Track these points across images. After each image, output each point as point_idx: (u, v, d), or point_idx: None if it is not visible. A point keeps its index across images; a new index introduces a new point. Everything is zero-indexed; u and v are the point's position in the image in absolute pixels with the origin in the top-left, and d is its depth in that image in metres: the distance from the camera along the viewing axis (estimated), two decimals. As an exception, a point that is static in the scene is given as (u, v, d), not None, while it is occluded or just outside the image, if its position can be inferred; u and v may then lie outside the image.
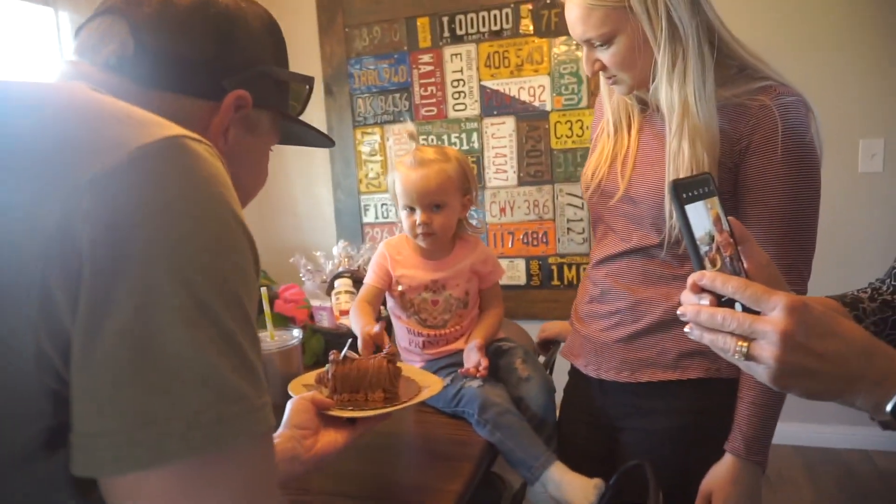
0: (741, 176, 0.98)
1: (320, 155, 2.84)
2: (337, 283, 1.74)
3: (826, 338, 0.53)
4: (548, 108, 2.42)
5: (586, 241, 2.43)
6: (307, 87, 0.73)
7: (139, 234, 0.39)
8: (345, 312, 1.65)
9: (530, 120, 2.45)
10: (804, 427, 2.38)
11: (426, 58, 2.56)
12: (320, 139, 0.78)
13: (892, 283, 0.77)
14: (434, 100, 2.58)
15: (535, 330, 1.65)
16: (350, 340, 1.08)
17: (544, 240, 2.51)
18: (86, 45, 0.58)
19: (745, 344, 0.55)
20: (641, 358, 1.08)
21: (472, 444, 1.17)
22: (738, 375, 1.02)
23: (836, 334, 0.54)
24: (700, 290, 0.58)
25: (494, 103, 2.49)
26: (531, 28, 2.40)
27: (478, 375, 1.22)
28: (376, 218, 2.77)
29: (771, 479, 2.21)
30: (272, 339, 1.26)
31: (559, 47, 2.38)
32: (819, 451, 2.34)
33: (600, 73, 1.03)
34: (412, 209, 1.28)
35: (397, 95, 2.64)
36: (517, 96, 2.46)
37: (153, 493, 0.41)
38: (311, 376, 1.08)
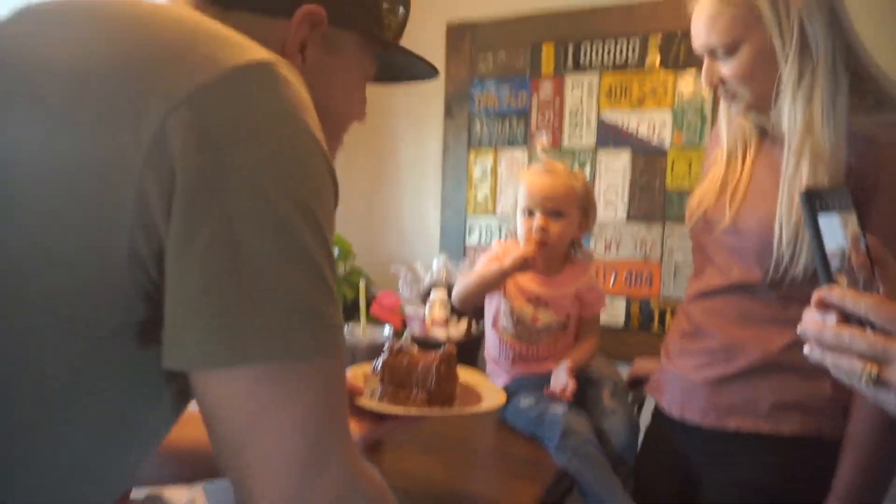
0: (864, 218, 0.89)
1: (433, 172, 2.90)
2: (433, 293, 1.76)
3: None
4: (666, 144, 2.35)
5: (694, 286, 2.30)
6: (401, 8, 0.69)
7: (229, 151, 0.42)
8: (437, 322, 1.66)
9: (647, 155, 2.39)
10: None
11: (547, 84, 2.57)
12: (422, 69, 0.74)
13: None
14: (550, 127, 2.57)
15: (627, 372, 1.59)
16: (408, 331, 1.06)
17: (648, 281, 2.41)
18: None
19: (876, 368, 0.49)
20: (731, 403, 1.01)
21: (546, 468, 1.14)
22: (841, 437, 0.92)
23: None
24: (826, 307, 0.53)
25: (611, 135, 2.45)
26: (658, 61, 2.35)
27: (563, 398, 1.19)
28: (479, 241, 2.78)
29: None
30: (363, 333, 1.30)
31: (685, 82, 2.31)
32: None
33: (719, 89, 0.99)
34: (532, 213, 1.29)
35: (514, 119, 2.66)
36: (635, 130, 2.40)
37: (231, 393, 0.43)
38: (368, 365, 1.06)
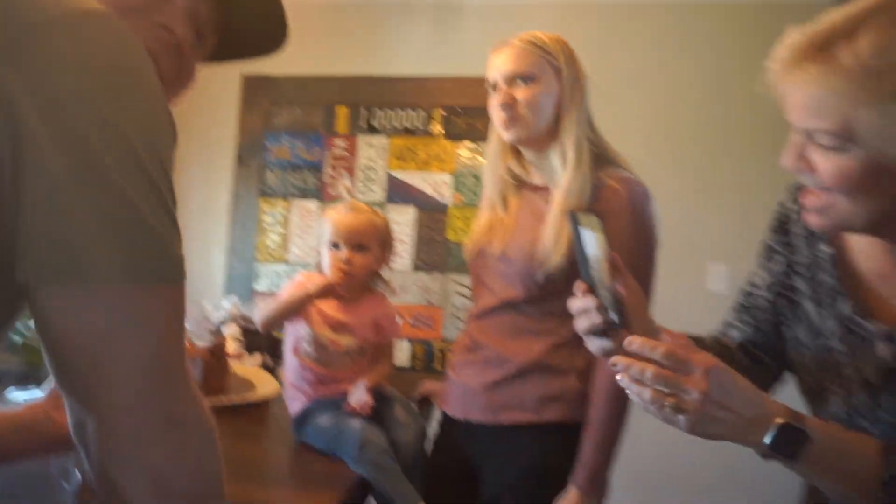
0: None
1: (220, 220, 2.86)
2: (225, 329, 1.74)
3: (733, 394, 0.68)
4: (448, 202, 2.64)
5: (470, 330, 2.56)
6: None
7: (78, 88, 0.45)
8: (231, 356, 1.64)
9: (430, 212, 2.65)
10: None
11: (341, 142, 2.73)
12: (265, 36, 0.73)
13: (724, 332, 0.95)
14: (338, 182, 2.72)
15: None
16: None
17: (430, 324, 2.62)
18: None
19: (673, 399, 0.66)
20: (504, 401, 1.19)
21: (344, 478, 1.20)
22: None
23: (739, 389, 0.68)
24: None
25: (399, 193, 2.67)
26: (440, 130, 2.66)
27: (361, 413, 1.28)
28: (269, 288, 2.78)
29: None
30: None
31: (463, 150, 2.64)
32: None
33: (502, 113, 1.18)
34: (337, 246, 1.38)
35: (308, 172, 2.76)
36: (421, 189, 2.66)
37: (83, 311, 0.46)
38: None
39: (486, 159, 1.33)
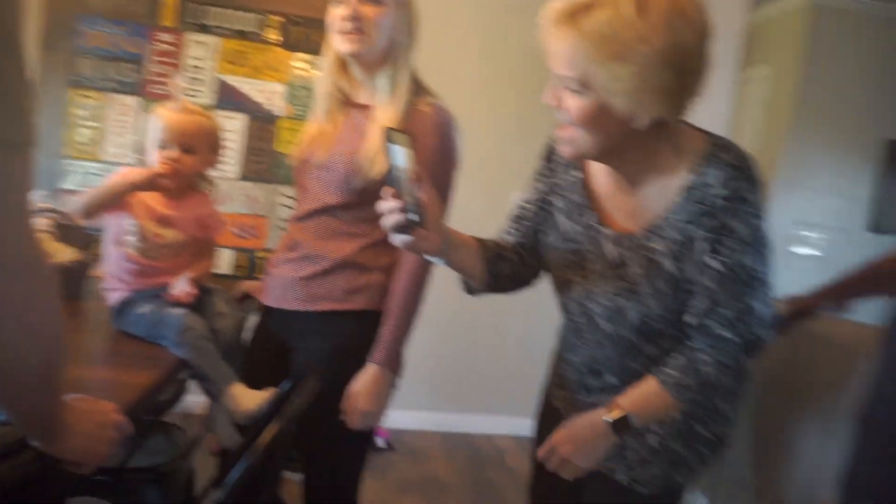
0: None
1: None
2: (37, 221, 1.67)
3: (576, 434, 0.99)
4: (279, 113, 2.65)
5: (295, 240, 2.65)
6: None
7: None
8: (39, 246, 1.60)
9: (261, 121, 2.64)
10: (446, 416, 2.91)
11: (167, 37, 2.59)
12: None
13: (503, 236, 1.16)
14: (167, 80, 2.61)
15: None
16: None
17: (254, 234, 2.67)
18: None
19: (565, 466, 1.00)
20: (317, 293, 1.35)
21: (164, 359, 1.28)
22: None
23: (576, 427, 0.99)
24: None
25: (230, 98, 2.62)
26: (276, 38, 2.63)
27: (184, 301, 1.35)
28: (79, 186, 2.62)
29: (416, 454, 2.66)
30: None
31: (299, 62, 2.65)
32: (456, 435, 2.89)
33: (347, 25, 1.28)
34: (166, 146, 1.39)
35: (127, 65, 2.60)
36: (252, 97, 2.63)
37: None
38: None
39: (320, 73, 1.42)
